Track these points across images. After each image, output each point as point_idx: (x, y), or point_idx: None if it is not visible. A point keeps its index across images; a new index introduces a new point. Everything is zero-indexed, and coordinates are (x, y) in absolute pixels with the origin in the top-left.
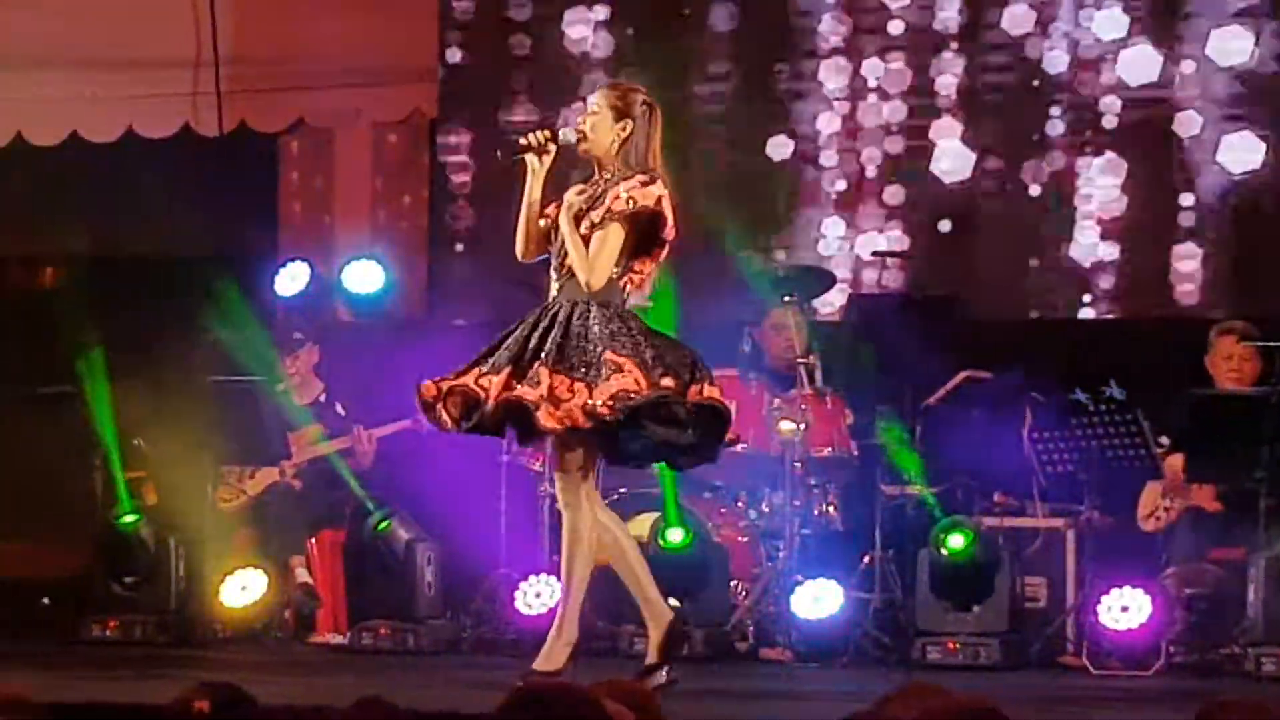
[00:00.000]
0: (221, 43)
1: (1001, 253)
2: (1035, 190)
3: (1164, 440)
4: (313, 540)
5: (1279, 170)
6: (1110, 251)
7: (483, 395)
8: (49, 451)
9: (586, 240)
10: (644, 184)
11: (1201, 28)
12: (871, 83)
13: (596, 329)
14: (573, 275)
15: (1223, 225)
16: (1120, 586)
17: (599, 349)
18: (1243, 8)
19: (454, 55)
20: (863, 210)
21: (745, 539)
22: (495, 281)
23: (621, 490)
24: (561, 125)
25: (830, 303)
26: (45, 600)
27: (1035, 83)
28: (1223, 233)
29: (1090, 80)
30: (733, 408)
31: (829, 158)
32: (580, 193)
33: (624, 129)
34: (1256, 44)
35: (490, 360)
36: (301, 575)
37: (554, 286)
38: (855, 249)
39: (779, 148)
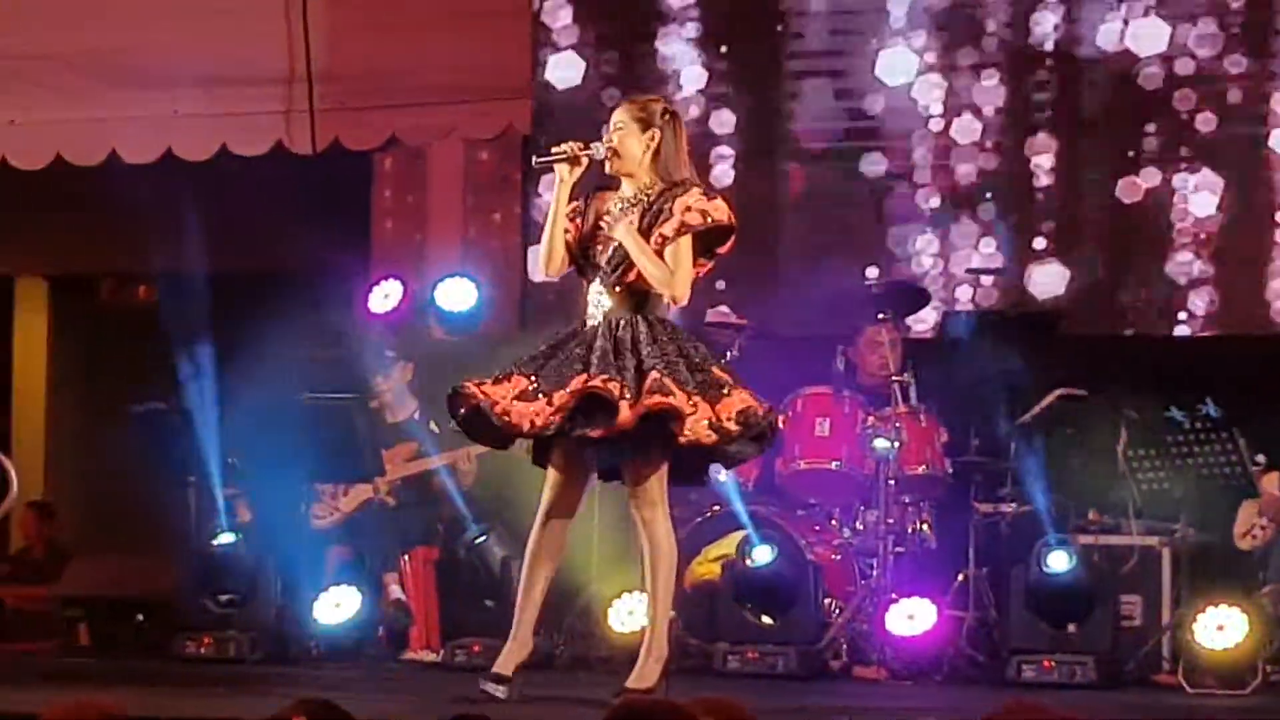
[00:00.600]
0: (315, 61)
1: (1096, 270)
2: (1130, 207)
3: (1260, 459)
4: (406, 557)
5: None
6: (1206, 269)
7: (518, 422)
8: (143, 469)
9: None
10: (708, 197)
11: None
12: (966, 99)
13: (684, 345)
14: (631, 291)
15: None
16: (1216, 605)
17: (703, 364)
18: None
19: (547, 72)
20: (957, 227)
21: (839, 557)
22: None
23: (715, 507)
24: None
25: (924, 320)
26: (139, 617)
27: (1131, 99)
28: None
29: (1186, 97)
30: (825, 425)
31: (922, 174)
32: (623, 208)
33: (652, 139)
34: None
35: (533, 381)
36: (395, 592)
37: (603, 302)
38: (949, 266)
39: (872, 164)
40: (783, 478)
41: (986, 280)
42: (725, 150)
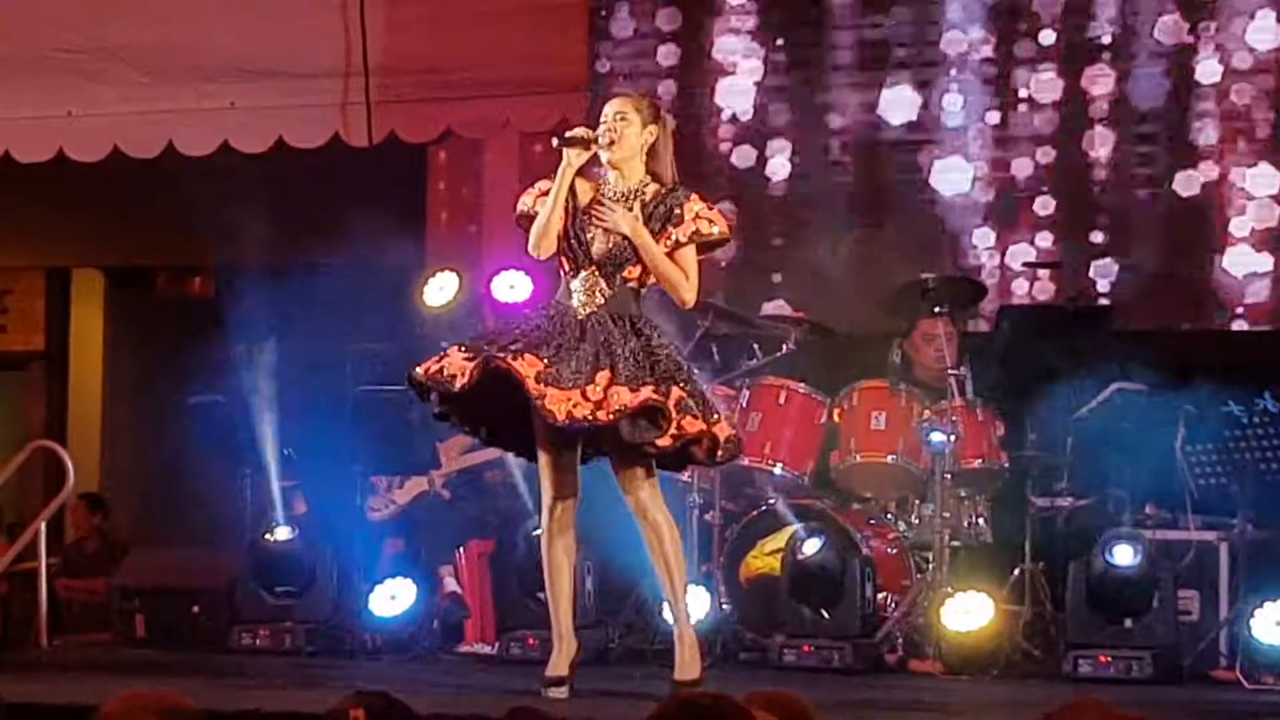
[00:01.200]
0: (371, 54)
1: (1153, 264)
2: (1187, 201)
3: None
4: (461, 550)
5: None
6: (1264, 263)
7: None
8: (199, 461)
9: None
10: (710, 206)
11: None
12: (1023, 93)
13: (677, 356)
14: (628, 285)
15: None
16: (1274, 600)
17: (701, 384)
18: None
19: (603, 65)
20: (1013, 221)
21: (894, 551)
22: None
23: (770, 500)
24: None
25: (981, 313)
26: (195, 609)
27: (1188, 92)
28: None
29: (1244, 90)
30: (881, 419)
31: (979, 168)
32: (617, 200)
33: (650, 135)
34: None
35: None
36: (450, 585)
37: (597, 294)
38: (1006, 260)
39: (929, 157)
40: (838, 471)
41: (1043, 274)
42: (781, 143)
